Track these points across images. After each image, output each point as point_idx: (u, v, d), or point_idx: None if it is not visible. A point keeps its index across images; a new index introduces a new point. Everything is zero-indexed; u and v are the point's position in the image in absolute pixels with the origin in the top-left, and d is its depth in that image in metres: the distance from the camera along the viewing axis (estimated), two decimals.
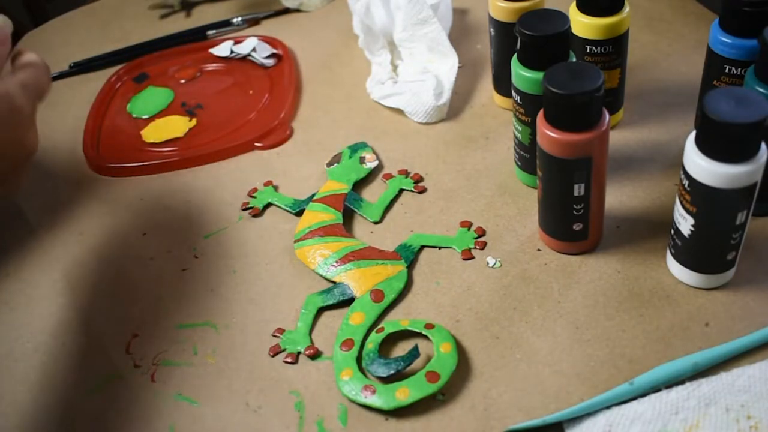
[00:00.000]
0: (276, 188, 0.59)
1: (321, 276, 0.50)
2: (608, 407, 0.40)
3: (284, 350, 0.46)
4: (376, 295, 0.48)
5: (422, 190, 0.56)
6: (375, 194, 0.57)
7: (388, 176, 0.58)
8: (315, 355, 0.46)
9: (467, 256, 0.50)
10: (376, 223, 0.54)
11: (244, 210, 0.57)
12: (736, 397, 0.39)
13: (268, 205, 0.57)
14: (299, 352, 0.46)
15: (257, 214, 0.57)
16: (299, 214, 0.56)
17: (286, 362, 0.45)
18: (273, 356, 0.46)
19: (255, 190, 0.59)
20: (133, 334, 0.49)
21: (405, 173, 0.58)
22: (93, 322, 0.50)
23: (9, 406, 0.46)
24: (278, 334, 0.47)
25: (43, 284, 0.54)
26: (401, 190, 0.57)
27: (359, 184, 0.58)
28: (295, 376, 0.45)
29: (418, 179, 0.57)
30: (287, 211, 0.56)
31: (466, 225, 0.52)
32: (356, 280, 0.49)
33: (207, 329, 0.48)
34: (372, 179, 0.58)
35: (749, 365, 0.41)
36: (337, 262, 0.50)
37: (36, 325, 0.51)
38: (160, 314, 0.50)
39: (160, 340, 0.48)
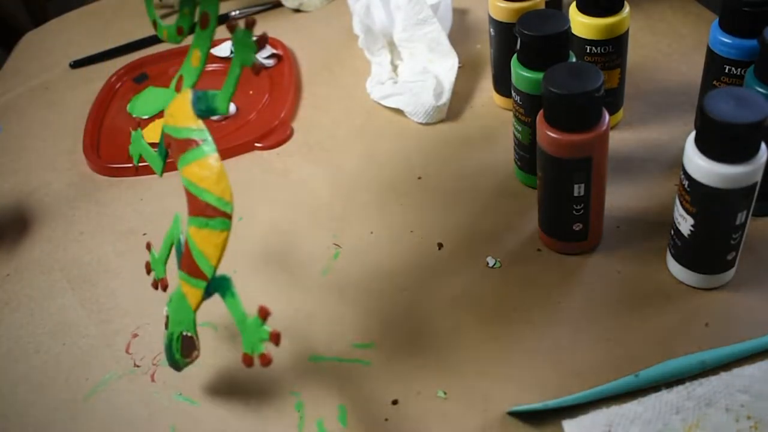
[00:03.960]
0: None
1: None
2: (608, 407, 0.40)
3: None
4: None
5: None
6: None
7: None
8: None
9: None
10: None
11: None
12: (735, 397, 0.39)
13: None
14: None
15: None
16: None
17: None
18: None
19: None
20: (132, 334, 0.49)
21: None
22: (93, 322, 0.50)
23: (9, 407, 0.46)
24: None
25: (43, 285, 0.54)
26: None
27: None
28: (294, 376, 0.45)
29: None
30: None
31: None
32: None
33: (207, 329, 0.48)
34: None
35: (749, 365, 0.41)
36: None
37: (36, 325, 0.51)
38: (159, 314, 0.50)
39: (160, 340, 0.48)
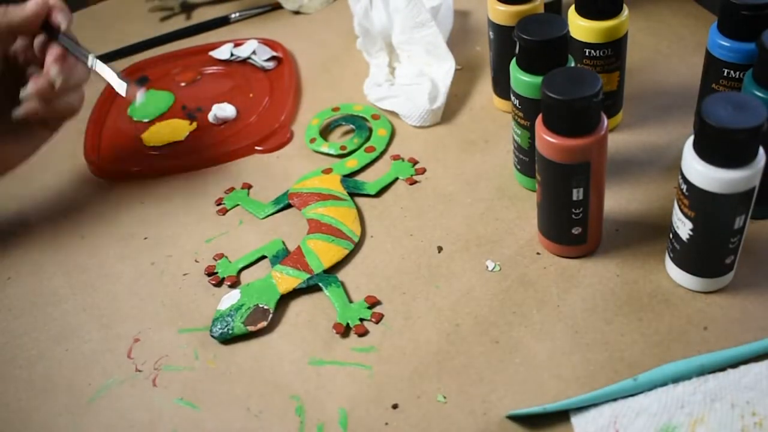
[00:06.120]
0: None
1: None
2: (614, 399, 0.40)
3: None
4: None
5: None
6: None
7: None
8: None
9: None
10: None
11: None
12: (742, 393, 0.40)
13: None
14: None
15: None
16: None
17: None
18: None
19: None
20: (134, 338, 0.49)
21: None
22: (95, 328, 0.51)
23: (13, 413, 0.46)
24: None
25: (45, 289, 0.54)
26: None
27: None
28: (295, 380, 0.45)
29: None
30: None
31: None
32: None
33: (208, 334, 0.49)
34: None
35: (755, 363, 0.41)
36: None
37: (39, 331, 0.51)
38: (161, 319, 0.50)
39: (161, 345, 0.49)
